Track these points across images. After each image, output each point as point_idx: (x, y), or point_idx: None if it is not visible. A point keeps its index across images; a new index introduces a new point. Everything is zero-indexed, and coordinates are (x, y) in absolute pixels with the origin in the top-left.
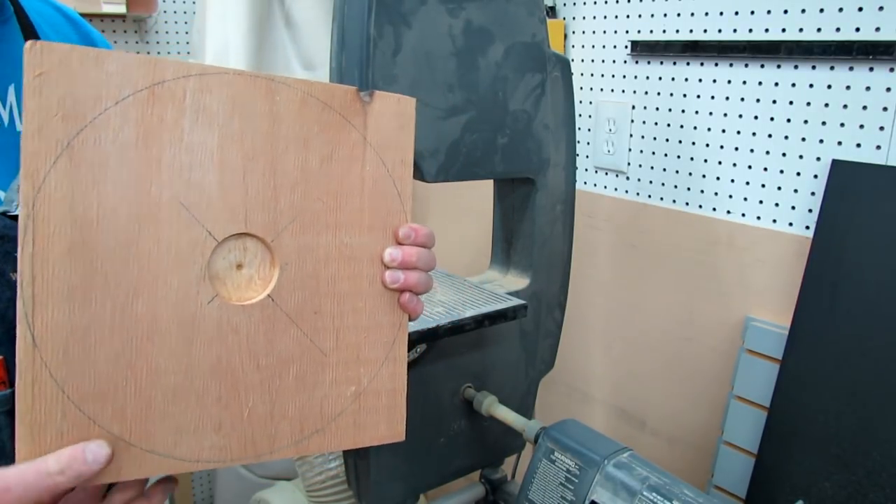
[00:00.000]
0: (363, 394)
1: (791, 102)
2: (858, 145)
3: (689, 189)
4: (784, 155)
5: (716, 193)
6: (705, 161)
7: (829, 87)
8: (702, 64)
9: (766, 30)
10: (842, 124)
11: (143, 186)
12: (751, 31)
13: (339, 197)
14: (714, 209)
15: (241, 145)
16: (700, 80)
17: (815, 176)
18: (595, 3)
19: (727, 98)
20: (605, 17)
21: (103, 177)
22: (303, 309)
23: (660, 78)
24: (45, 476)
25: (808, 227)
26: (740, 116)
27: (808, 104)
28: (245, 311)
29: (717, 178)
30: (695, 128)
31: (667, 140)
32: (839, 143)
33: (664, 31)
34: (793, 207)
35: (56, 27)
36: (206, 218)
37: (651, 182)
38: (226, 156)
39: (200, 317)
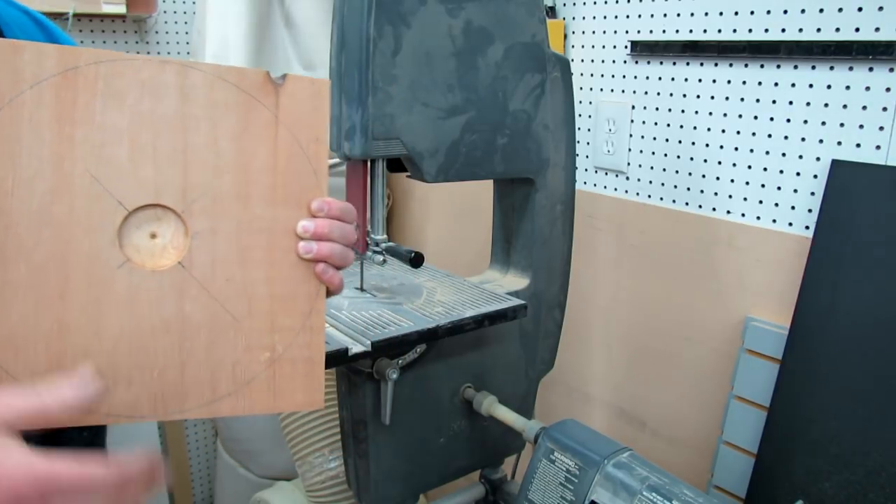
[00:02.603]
0: (278, 361)
1: (791, 102)
2: (858, 145)
3: (689, 189)
4: (784, 155)
5: (716, 193)
6: (705, 161)
7: (829, 87)
8: (702, 64)
9: (766, 30)
10: (841, 124)
11: (57, 161)
12: (751, 31)
13: (250, 173)
14: (714, 209)
15: (152, 124)
16: (700, 80)
17: (815, 176)
18: (595, 3)
19: (727, 98)
20: (605, 17)
21: (19, 151)
22: (214, 276)
23: (660, 78)
24: (35, 395)
25: (807, 227)
26: (740, 116)
27: (808, 104)
28: (156, 276)
29: (717, 178)
30: (695, 128)
31: (667, 140)
32: (839, 143)
33: (664, 31)
34: (793, 207)
35: (23, 28)
36: (117, 190)
37: (651, 182)
38: (136, 134)
39: (110, 280)
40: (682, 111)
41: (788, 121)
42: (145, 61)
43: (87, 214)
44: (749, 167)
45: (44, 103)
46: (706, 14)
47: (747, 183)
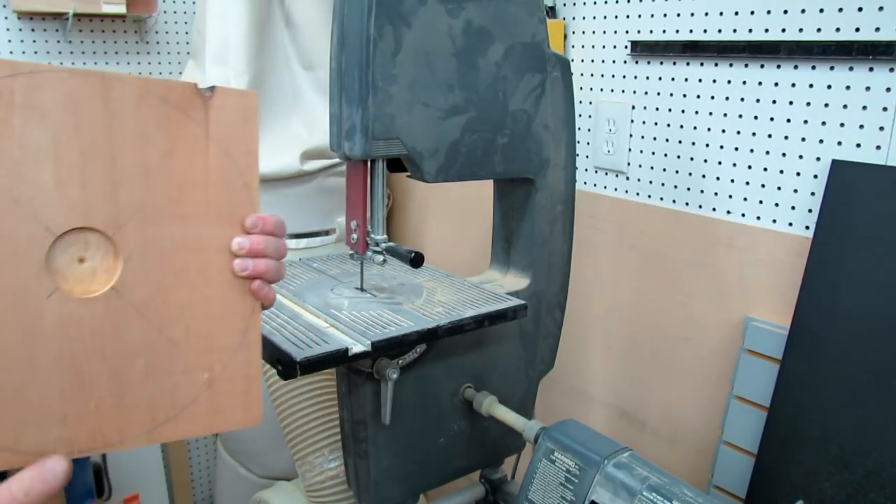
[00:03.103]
0: (217, 381)
1: (791, 102)
2: (858, 145)
3: (689, 189)
4: (784, 155)
5: (716, 193)
6: (705, 161)
7: (829, 87)
8: (702, 64)
9: (766, 30)
10: (842, 124)
11: None
12: (751, 31)
13: (182, 189)
14: (714, 209)
15: (77, 141)
16: (700, 80)
17: (815, 176)
18: (595, 3)
19: (727, 98)
20: (605, 17)
21: None
22: (149, 300)
23: (660, 78)
24: (13, 500)
25: (808, 227)
26: (740, 116)
27: (808, 104)
28: (88, 304)
29: (717, 178)
30: (695, 128)
31: (667, 140)
32: (839, 143)
33: (664, 31)
34: (793, 207)
35: None
36: (43, 213)
37: (651, 182)
38: (61, 152)
39: (40, 311)
40: (683, 111)
41: (788, 121)
42: (69, 73)
43: (10, 241)
44: (749, 167)
45: None
46: (706, 14)
47: (747, 183)
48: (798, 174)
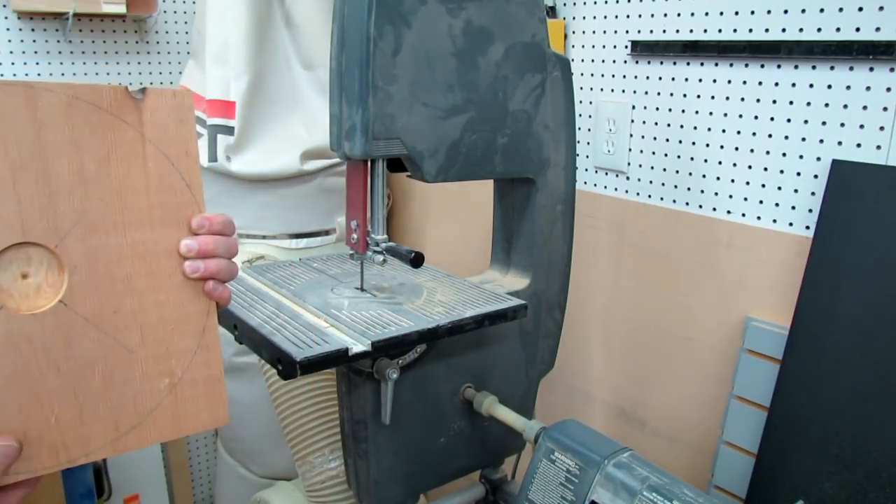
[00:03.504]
0: (178, 385)
1: (791, 102)
2: (858, 145)
3: (689, 189)
4: (784, 155)
5: (716, 193)
6: (705, 161)
7: (830, 87)
8: (702, 64)
9: (767, 30)
10: (842, 124)
11: None
12: (751, 31)
13: (123, 196)
14: (714, 209)
15: (6, 156)
16: (700, 80)
17: (816, 176)
18: (595, 3)
19: (727, 98)
20: (605, 17)
21: None
22: (100, 310)
23: (660, 78)
24: None
25: (808, 227)
26: (740, 116)
27: (809, 104)
28: (37, 319)
29: (717, 178)
30: (695, 128)
31: (667, 140)
32: (839, 143)
33: (664, 31)
34: (793, 207)
35: None
36: None
37: (651, 182)
38: None
39: None
40: (683, 111)
41: (789, 121)
42: None
43: None
44: (749, 167)
45: None
46: (706, 14)
47: (747, 183)
48: (798, 174)
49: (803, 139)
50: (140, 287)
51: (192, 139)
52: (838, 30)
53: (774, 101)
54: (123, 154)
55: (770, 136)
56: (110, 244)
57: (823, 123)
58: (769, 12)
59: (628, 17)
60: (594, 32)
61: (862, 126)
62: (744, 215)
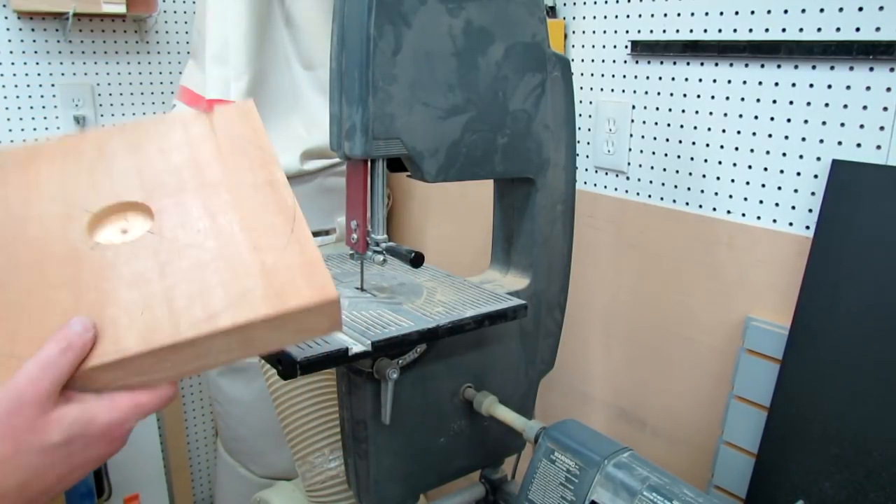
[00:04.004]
0: (271, 271)
1: (791, 102)
2: (858, 145)
3: (689, 189)
4: (784, 155)
5: (716, 193)
6: (705, 161)
7: (830, 86)
8: (702, 64)
9: (767, 30)
10: (842, 124)
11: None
12: (751, 31)
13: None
14: (714, 209)
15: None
16: (700, 80)
17: (816, 176)
18: (595, 3)
19: (727, 98)
20: (605, 17)
21: None
22: (185, 229)
23: (660, 78)
24: (49, 357)
25: (808, 227)
26: (740, 116)
27: (809, 104)
28: (127, 245)
29: (717, 178)
30: (695, 128)
31: (667, 140)
32: (839, 142)
33: (664, 31)
34: (793, 207)
35: None
36: (83, 200)
37: (651, 182)
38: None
39: (86, 258)
40: (683, 111)
41: (789, 120)
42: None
43: (57, 223)
44: (749, 167)
45: None
46: (706, 14)
47: (747, 183)
48: (798, 174)
49: (803, 139)
50: (223, 214)
51: (262, 132)
52: (838, 30)
53: (774, 101)
54: (198, 136)
55: (770, 135)
56: (192, 187)
57: (823, 123)
58: (769, 12)
59: (628, 17)
60: (594, 32)
61: (862, 126)
62: (744, 215)
